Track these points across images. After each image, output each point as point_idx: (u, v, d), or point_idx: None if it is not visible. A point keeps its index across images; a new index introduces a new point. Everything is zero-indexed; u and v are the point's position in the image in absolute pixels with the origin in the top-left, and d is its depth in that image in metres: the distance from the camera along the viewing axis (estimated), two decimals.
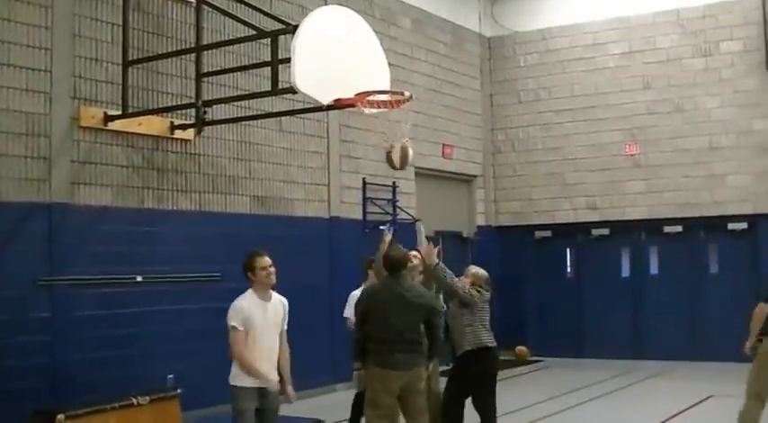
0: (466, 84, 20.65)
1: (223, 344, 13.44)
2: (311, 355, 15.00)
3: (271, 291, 8.60)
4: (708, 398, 14.53)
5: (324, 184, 16.18)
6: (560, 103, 20.75)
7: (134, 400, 10.68)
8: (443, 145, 19.63)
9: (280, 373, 8.60)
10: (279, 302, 8.70)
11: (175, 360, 12.44)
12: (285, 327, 8.79)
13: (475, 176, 21.03)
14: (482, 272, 10.46)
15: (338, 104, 10.88)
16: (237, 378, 8.37)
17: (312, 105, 11.47)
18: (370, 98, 10.75)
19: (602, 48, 20.30)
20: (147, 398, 10.85)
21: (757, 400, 10.27)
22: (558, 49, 20.82)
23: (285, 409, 13.67)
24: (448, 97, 19.83)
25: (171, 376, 12.22)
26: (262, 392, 8.38)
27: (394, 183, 17.71)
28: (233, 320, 8.25)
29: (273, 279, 8.54)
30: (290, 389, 8.73)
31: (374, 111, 11.16)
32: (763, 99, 18.72)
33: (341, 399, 14.75)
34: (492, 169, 21.46)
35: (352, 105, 10.89)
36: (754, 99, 18.77)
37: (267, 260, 8.47)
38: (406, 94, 10.86)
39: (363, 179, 17.05)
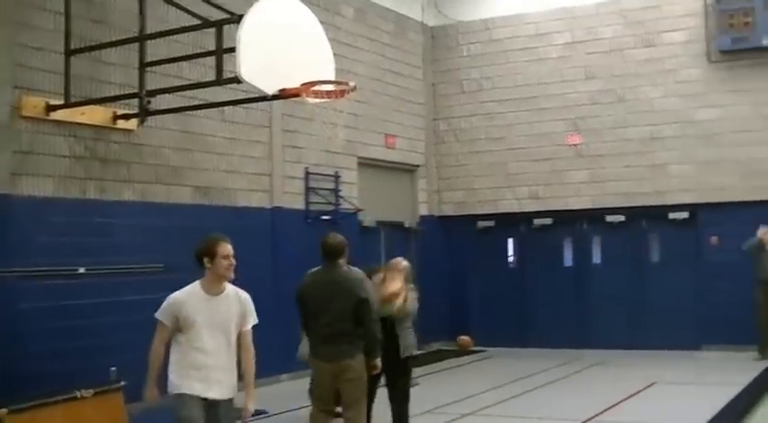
0: (409, 73, 20.79)
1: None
2: (255, 346, 15.14)
3: (225, 283, 7.41)
4: (651, 385, 14.84)
5: (266, 174, 16.27)
6: (503, 93, 20.97)
7: (78, 394, 10.67)
8: (386, 135, 19.77)
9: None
10: (235, 297, 7.44)
11: (120, 352, 12.42)
12: (248, 326, 7.53)
13: (417, 166, 21.18)
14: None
15: (283, 94, 11.00)
16: (172, 384, 7.25)
17: (256, 95, 11.58)
18: (315, 88, 10.90)
19: (546, 38, 20.56)
20: (92, 391, 10.83)
21: None
22: (501, 39, 21.04)
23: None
24: (391, 87, 19.96)
25: (114, 369, 12.24)
26: (209, 403, 7.22)
27: (336, 173, 17.85)
28: (159, 313, 7.28)
29: (232, 272, 7.44)
30: (250, 404, 7.40)
31: (318, 100, 11.31)
32: (704, 90, 19.11)
33: (285, 389, 14.97)
34: (434, 159, 21.64)
35: (298, 95, 11.02)
36: (695, 89, 19.15)
37: (230, 248, 7.41)
38: (351, 84, 11.04)
39: (306, 169, 17.16)
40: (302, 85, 10.79)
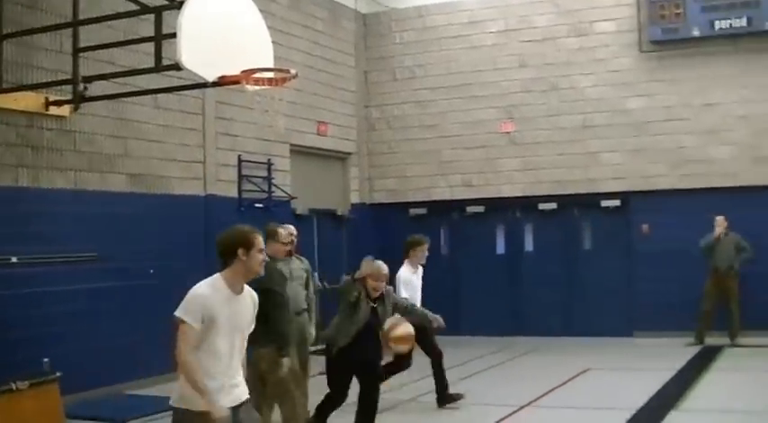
0: (341, 61, 20.79)
1: (105, 325, 13.55)
2: None
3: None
4: (584, 371, 15.06)
5: (200, 162, 16.19)
6: (436, 81, 21.07)
7: (13, 386, 10.57)
8: (318, 122, 19.78)
9: None
10: (249, 298, 6.50)
11: (54, 343, 12.37)
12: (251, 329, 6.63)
13: (350, 154, 21.22)
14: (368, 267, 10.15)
15: (223, 82, 10.99)
16: (187, 398, 6.08)
17: (195, 82, 11.56)
18: (256, 76, 10.89)
19: (479, 26, 20.68)
20: (27, 382, 10.71)
21: None
22: (434, 27, 21.12)
23: (159, 391, 13.85)
24: (323, 74, 19.95)
25: (47, 360, 12.14)
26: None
27: (269, 160, 17.82)
28: (186, 313, 6.10)
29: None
30: None
31: (257, 88, 11.29)
32: (636, 79, 19.41)
33: None
34: (366, 147, 21.69)
35: (237, 82, 11.00)
36: (627, 79, 19.44)
37: (262, 240, 6.51)
38: (293, 71, 11.06)
39: (239, 157, 17.12)
40: (242, 72, 10.77)
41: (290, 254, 11.33)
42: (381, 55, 21.66)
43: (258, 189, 17.44)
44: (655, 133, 19.18)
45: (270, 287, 8.94)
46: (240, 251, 6.22)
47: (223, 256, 6.30)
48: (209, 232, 15.94)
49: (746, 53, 18.65)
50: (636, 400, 12.26)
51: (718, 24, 18.47)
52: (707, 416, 11.52)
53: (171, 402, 6.15)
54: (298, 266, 11.43)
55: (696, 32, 18.65)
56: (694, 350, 16.85)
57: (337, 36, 20.70)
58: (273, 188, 17.85)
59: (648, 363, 16.14)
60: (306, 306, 11.37)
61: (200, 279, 14.73)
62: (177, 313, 6.09)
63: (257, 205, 17.27)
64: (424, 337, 12.26)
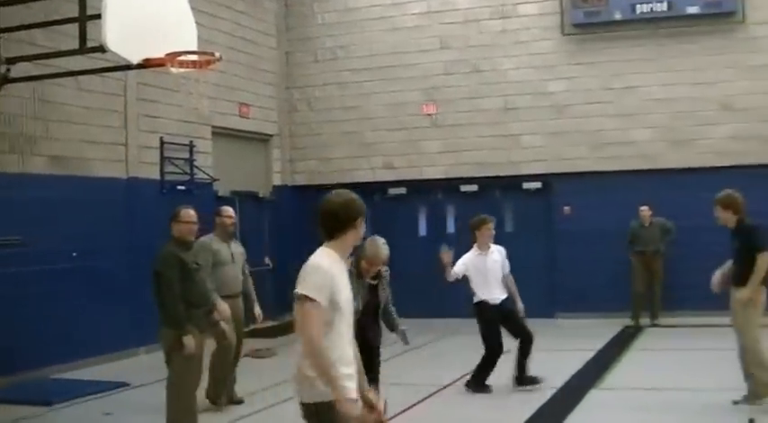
0: (263, 42, 20.84)
1: (30, 309, 13.55)
2: (112, 319, 15.16)
3: None
4: (506, 352, 15.27)
5: (122, 144, 16.21)
6: (358, 62, 21.21)
7: None
8: (240, 104, 19.83)
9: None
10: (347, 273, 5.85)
11: None
12: None
13: (271, 136, 21.29)
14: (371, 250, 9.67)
15: (148, 64, 11.02)
16: (323, 388, 5.31)
17: (119, 64, 11.58)
18: (181, 58, 10.96)
19: (401, 7, 20.85)
20: None
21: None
22: (356, 8, 21.25)
23: (89, 374, 13.91)
24: (245, 55, 19.96)
25: None
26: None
27: (191, 142, 17.85)
28: (313, 289, 5.32)
29: None
30: None
31: (182, 70, 11.36)
32: (557, 61, 19.78)
33: (144, 362, 15.01)
34: (288, 128, 21.77)
35: (162, 65, 11.04)
36: (549, 62, 19.80)
37: None
38: (216, 54, 11.14)
39: (161, 138, 17.14)
40: (167, 55, 10.82)
41: (231, 237, 11.87)
42: (303, 36, 21.72)
43: (180, 171, 17.48)
44: (576, 116, 19.58)
45: (161, 270, 9.23)
46: (358, 220, 5.61)
47: (338, 224, 5.60)
48: (132, 215, 16.09)
49: (667, 37, 19.14)
50: (557, 380, 12.59)
51: (639, 8, 18.94)
52: (626, 393, 11.86)
53: (310, 399, 5.38)
54: (238, 250, 11.71)
55: (618, 16, 19.11)
56: (615, 330, 17.24)
57: (259, 17, 20.73)
58: (195, 170, 17.88)
59: (570, 343, 16.49)
60: (242, 288, 11.69)
61: (122, 261, 14.77)
62: (301, 290, 5.33)
63: (179, 187, 17.31)
64: (512, 319, 12.42)
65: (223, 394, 11.47)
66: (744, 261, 10.43)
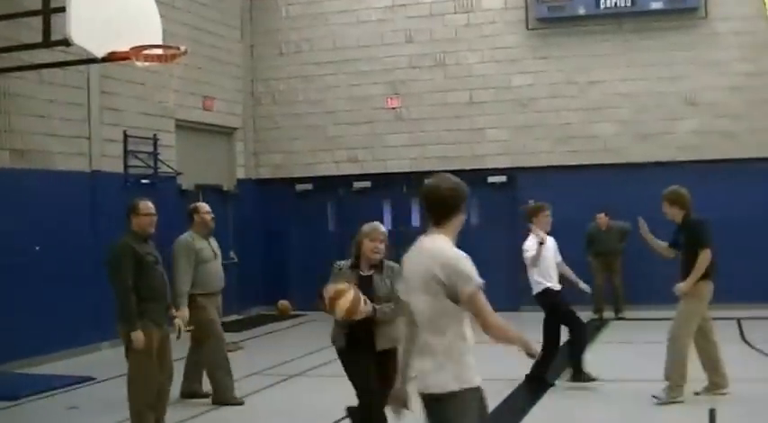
0: (227, 34, 20.84)
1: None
2: (75, 313, 15.16)
3: None
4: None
5: (85, 137, 16.17)
6: (323, 56, 21.28)
7: None
8: (204, 97, 19.84)
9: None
10: None
11: None
12: None
13: (235, 129, 21.31)
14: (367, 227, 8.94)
15: (112, 58, 11.09)
16: (464, 376, 5.52)
17: (83, 58, 11.61)
18: (146, 52, 11.03)
19: (366, 1, 20.99)
20: None
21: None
22: (321, 1, 21.33)
23: (53, 368, 13.92)
24: (209, 48, 19.95)
25: None
26: None
27: (155, 135, 17.83)
28: (476, 277, 5.45)
29: None
30: None
31: (147, 64, 11.42)
32: (521, 56, 19.97)
33: (108, 356, 15.02)
34: (252, 121, 21.81)
35: (127, 59, 11.12)
36: (513, 56, 19.98)
37: None
38: (182, 48, 11.21)
39: (125, 132, 17.10)
40: (132, 48, 10.89)
41: (211, 233, 11.78)
42: (268, 29, 21.77)
43: (144, 165, 17.47)
44: (540, 110, 19.77)
45: (112, 262, 9.16)
46: (464, 204, 5.59)
47: (447, 210, 5.56)
48: (95, 209, 16.05)
49: (630, 32, 19.39)
50: (522, 371, 12.71)
51: (603, 3, 19.14)
52: (591, 385, 11.99)
53: (442, 389, 5.42)
54: (215, 245, 11.78)
55: (582, 11, 19.32)
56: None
57: (223, 9, 20.72)
58: (159, 164, 17.88)
59: (534, 335, 16.56)
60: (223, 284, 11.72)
61: (88, 255, 14.75)
62: (473, 283, 5.38)
63: (143, 181, 17.29)
64: (563, 309, 12.35)
65: (233, 388, 11.48)
66: (689, 256, 10.63)
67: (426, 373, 5.44)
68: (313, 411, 11.13)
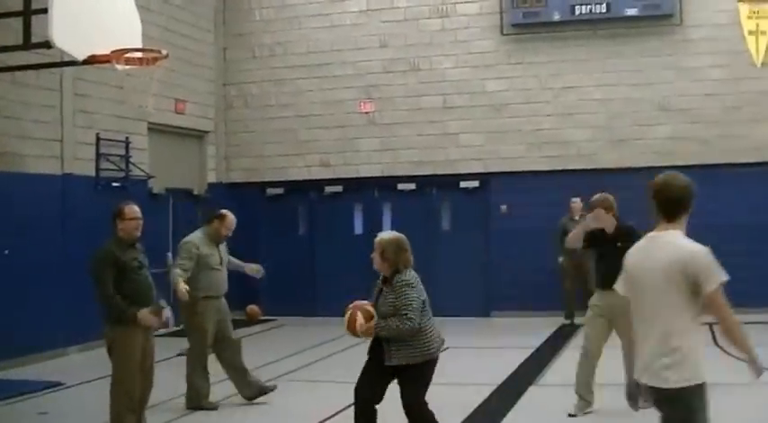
0: (200, 37, 20.83)
1: None
2: (44, 317, 15.11)
3: None
4: (444, 349, 15.52)
5: (57, 140, 16.13)
6: (295, 59, 21.32)
7: None
8: (176, 100, 19.83)
9: None
10: None
11: None
12: None
13: (207, 132, 21.30)
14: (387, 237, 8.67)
15: (93, 60, 11.10)
16: (700, 370, 5.59)
17: (64, 60, 11.62)
18: (127, 55, 11.05)
19: (340, 5, 21.01)
20: None
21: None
22: (294, 5, 21.34)
23: (21, 373, 13.87)
24: (181, 51, 19.89)
25: None
26: None
27: (127, 138, 17.80)
28: (723, 273, 5.55)
29: None
30: None
31: (128, 67, 11.44)
32: (495, 61, 20.09)
33: (77, 361, 15.06)
34: (224, 125, 21.80)
35: (107, 62, 11.14)
36: (487, 61, 20.10)
37: None
38: (163, 52, 11.25)
39: (97, 134, 17.07)
40: (113, 51, 10.91)
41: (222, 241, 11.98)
42: (240, 32, 21.78)
43: (116, 168, 17.45)
44: (514, 115, 19.92)
45: (93, 271, 9.13)
46: (692, 203, 5.81)
47: (681, 207, 5.80)
48: (66, 212, 16.02)
49: (605, 38, 19.55)
50: (496, 377, 12.85)
51: (578, 9, 19.27)
52: (565, 390, 12.09)
53: (686, 383, 5.51)
54: (224, 250, 11.99)
55: (557, 17, 19.44)
56: (551, 328, 17.54)
57: (196, 12, 20.72)
58: (131, 167, 17.86)
59: (506, 341, 16.79)
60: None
61: (58, 258, 14.73)
62: (718, 279, 5.48)
63: (114, 184, 17.29)
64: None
65: (209, 395, 11.56)
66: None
67: (664, 368, 5.54)
68: (290, 415, 11.23)
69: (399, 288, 8.18)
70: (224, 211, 12.14)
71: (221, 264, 11.73)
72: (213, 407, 11.42)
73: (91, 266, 9.13)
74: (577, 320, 18.28)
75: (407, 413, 8.30)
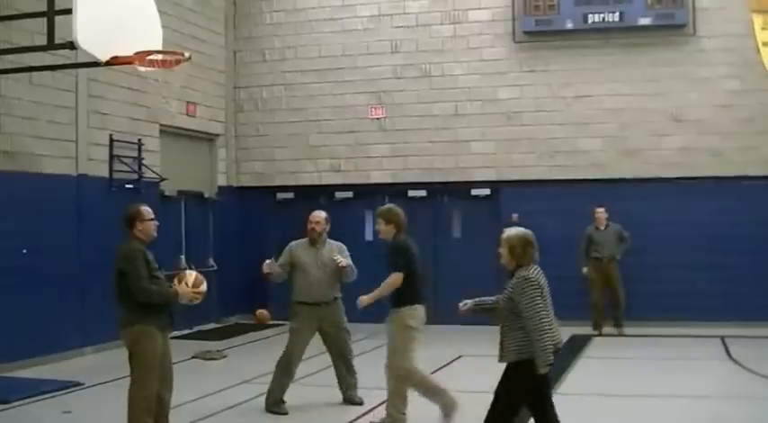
0: (211, 40, 20.98)
1: None
2: (59, 317, 15.29)
3: None
4: (458, 357, 15.71)
5: (72, 141, 16.31)
6: (306, 64, 21.47)
7: None
8: (187, 102, 19.99)
9: None
10: None
11: None
12: None
13: (217, 135, 21.44)
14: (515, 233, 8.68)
15: (115, 62, 11.20)
16: None
17: (86, 61, 11.71)
18: (150, 58, 11.17)
19: (351, 9, 21.16)
20: None
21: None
22: (305, 9, 21.49)
23: (37, 372, 14.01)
24: (193, 53, 19.89)
25: None
26: None
27: (140, 140, 17.98)
28: None
29: None
30: None
31: (150, 69, 11.57)
32: (508, 68, 20.23)
33: (91, 362, 15.21)
34: (234, 128, 21.95)
35: (130, 63, 11.24)
36: (499, 68, 20.24)
37: None
38: (186, 54, 11.37)
39: (110, 136, 17.24)
40: (136, 53, 11.01)
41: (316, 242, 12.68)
42: (251, 35, 21.93)
43: (129, 169, 17.61)
44: (526, 123, 20.08)
45: (126, 268, 9.16)
46: None
47: None
48: (81, 212, 16.19)
49: (617, 47, 19.70)
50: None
51: (591, 18, 19.42)
52: (585, 398, 12.24)
53: None
54: (328, 255, 12.52)
55: (569, 25, 19.59)
56: (563, 339, 17.64)
57: (207, 14, 20.87)
58: (144, 169, 18.03)
59: None
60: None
61: (72, 259, 14.88)
62: None
63: (128, 186, 17.44)
64: None
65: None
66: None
67: None
68: (303, 419, 11.37)
69: (517, 282, 8.29)
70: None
71: (317, 267, 12.36)
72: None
73: (123, 262, 9.14)
74: (606, 330, 18.48)
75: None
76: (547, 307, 8.20)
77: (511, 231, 8.59)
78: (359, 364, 12.67)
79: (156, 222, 9.58)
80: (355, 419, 11.36)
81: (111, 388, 12.82)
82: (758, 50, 18.72)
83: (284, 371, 11.87)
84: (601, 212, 18.51)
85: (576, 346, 16.89)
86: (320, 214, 12.63)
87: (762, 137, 18.98)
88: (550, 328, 8.07)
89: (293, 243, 12.42)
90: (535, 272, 8.34)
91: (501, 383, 8.38)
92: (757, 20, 18.62)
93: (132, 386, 9.29)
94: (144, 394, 9.23)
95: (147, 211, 9.53)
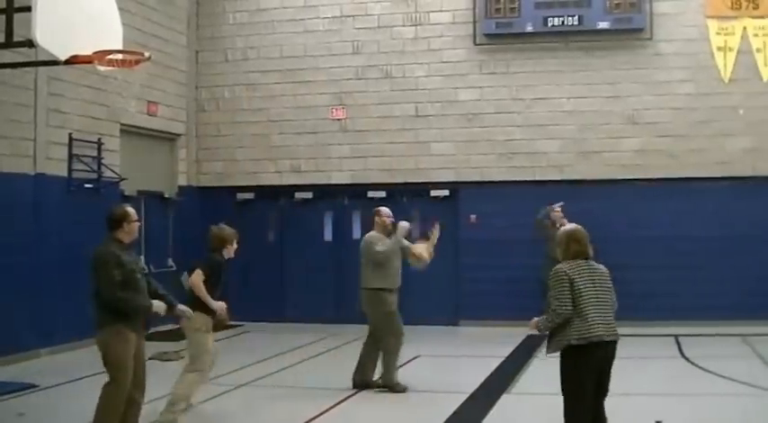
0: (173, 39, 20.94)
1: None
2: (14, 318, 15.16)
3: None
4: (415, 358, 15.75)
5: (30, 139, 16.22)
6: (268, 64, 21.53)
7: None
8: (149, 102, 19.96)
9: None
10: None
11: None
12: None
13: (178, 135, 21.42)
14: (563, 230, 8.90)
15: (75, 61, 11.25)
16: None
17: (45, 59, 11.76)
18: (110, 57, 11.22)
19: (314, 10, 21.25)
20: None
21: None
22: (268, 9, 21.55)
23: None
24: (154, 52, 19.82)
25: None
26: None
27: (99, 139, 17.91)
28: None
29: None
30: None
31: (110, 69, 11.61)
32: (468, 70, 20.42)
33: (47, 363, 15.10)
34: (195, 128, 21.95)
35: (89, 62, 11.30)
36: (460, 70, 20.42)
37: None
38: (146, 54, 11.43)
39: (70, 135, 17.17)
40: (96, 52, 11.07)
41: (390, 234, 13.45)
42: (214, 35, 21.96)
43: (88, 169, 17.55)
44: (485, 125, 20.26)
45: (101, 270, 9.11)
46: None
47: None
48: (39, 212, 16.09)
49: (576, 50, 19.93)
50: (468, 385, 13.07)
51: (551, 21, 19.63)
52: (539, 398, 12.33)
53: None
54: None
55: (530, 28, 19.78)
56: (519, 338, 17.68)
57: (170, 13, 20.83)
58: (103, 168, 17.97)
59: (476, 350, 17.02)
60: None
61: (30, 258, 14.81)
62: None
63: (87, 186, 17.37)
64: None
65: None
66: None
67: None
68: (268, 420, 11.42)
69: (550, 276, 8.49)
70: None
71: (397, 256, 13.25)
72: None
73: (96, 265, 9.10)
74: None
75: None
76: (583, 299, 8.25)
77: (563, 228, 8.97)
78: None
79: (139, 223, 9.62)
80: None
81: (66, 390, 12.81)
82: (713, 55, 19.02)
83: (397, 351, 12.99)
84: (557, 211, 18.57)
85: (532, 346, 17.02)
86: (388, 209, 13.60)
87: (717, 139, 19.28)
88: (584, 319, 8.23)
89: (374, 235, 13.24)
90: (570, 266, 8.37)
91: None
92: (712, 25, 18.93)
93: (105, 386, 9.29)
94: (115, 394, 9.20)
95: (133, 212, 9.55)
